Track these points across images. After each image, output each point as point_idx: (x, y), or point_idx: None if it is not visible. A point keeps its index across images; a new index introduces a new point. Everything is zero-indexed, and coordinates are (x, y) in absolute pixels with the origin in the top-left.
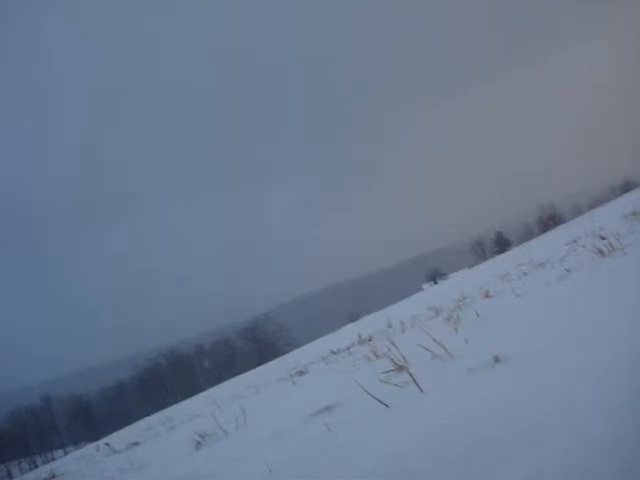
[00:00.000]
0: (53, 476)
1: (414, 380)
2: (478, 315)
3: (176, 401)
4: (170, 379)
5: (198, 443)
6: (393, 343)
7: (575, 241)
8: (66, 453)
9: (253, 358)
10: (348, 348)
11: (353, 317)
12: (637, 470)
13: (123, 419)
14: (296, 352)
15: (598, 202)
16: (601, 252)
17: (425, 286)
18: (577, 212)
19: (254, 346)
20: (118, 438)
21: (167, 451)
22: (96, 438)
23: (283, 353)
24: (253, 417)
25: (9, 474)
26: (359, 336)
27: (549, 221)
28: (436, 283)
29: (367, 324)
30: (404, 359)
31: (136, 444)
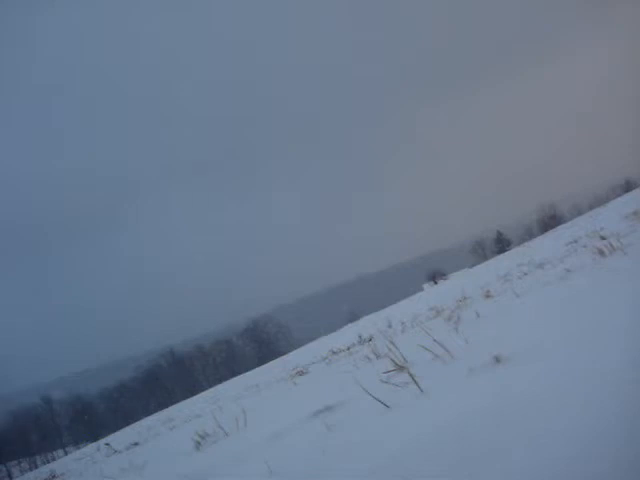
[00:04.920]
0: (53, 476)
1: (414, 380)
2: (478, 315)
3: (177, 401)
4: (171, 379)
5: (198, 443)
6: (393, 343)
7: (575, 241)
8: (66, 453)
9: (254, 358)
10: (348, 348)
11: (353, 317)
12: (638, 470)
13: (123, 419)
14: (296, 352)
15: (598, 202)
16: (602, 252)
17: (425, 286)
18: (577, 212)
19: (255, 346)
20: (118, 438)
21: (167, 451)
22: (96, 438)
23: (284, 353)
24: (253, 417)
25: (9, 474)
26: (359, 336)
27: (549, 221)
28: (436, 283)
29: (367, 324)
30: (404, 359)
31: (136, 444)
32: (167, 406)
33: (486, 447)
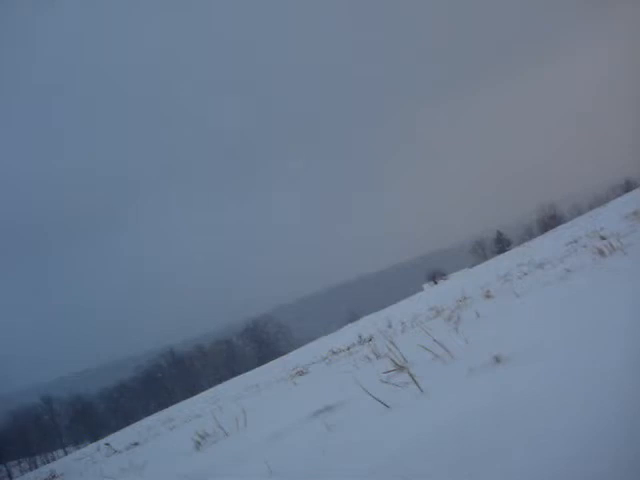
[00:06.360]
0: (53, 476)
1: (414, 380)
2: (478, 315)
3: (177, 401)
4: (171, 379)
5: (198, 443)
6: (393, 343)
7: (575, 241)
8: (66, 453)
9: (254, 358)
10: (348, 348)
11: (353, 317)
12: (638, 470)
13: (124, 419)
14: (297, 352)
15: (598, 202)
16: (601, 252)
17: (425, 286)
18: (577, 212)
19: (255, 346)
20: (118, 438)
21: (167, 451)
22: (96, 438)
23: (284, 353)
24: (253, 417)
25: (9, 474)
26: (359, 336)
27: (549, 221)
28: (436, 283)
29: (367, 324)
30: (404, 359)
31: (136, 444)
32: (167, 406)
33: (486, 447)
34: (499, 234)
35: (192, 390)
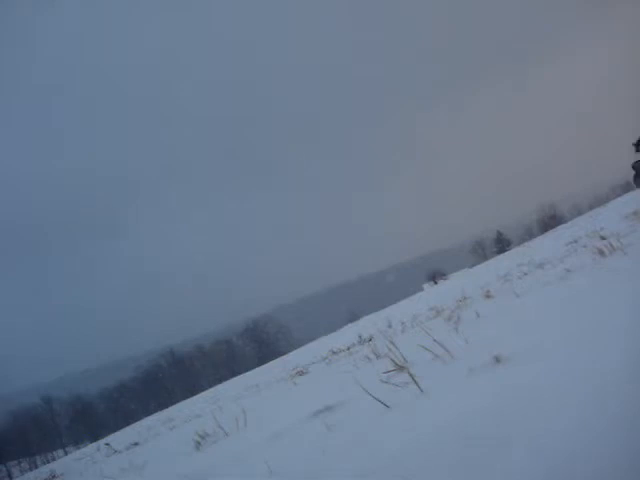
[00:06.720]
0: (53, 476)
1: (414, 380)
2: (478, 315)
3: (177, 401)
4: (171, 379)
5: (198, 443)
6: (393, 343)
7: (575, 241)
8: (66, 453)
9: (254, 358)
10: (348, 348)
11: (353, 317)
12: (638, 470)
13: (123, 419)
14: (297, 352)
15: (598, 202)
16: (602, 252)
17: (425, 286)
18: (577, 212)
19: (255, 346)
20: (118, 438)
21: (167, 451)
22: (96, 438)
23: (284, 353)
24: (253, 417)
25: (9, 474)
26: (359, 336)
27: (549, 221)
28: (436, 283)
29: (367, 324)
30: (404, 359)
31: (136, 444)
32: (167, 406)
33: (486, 447)
34: (499, 234)
35: (192, 390)
